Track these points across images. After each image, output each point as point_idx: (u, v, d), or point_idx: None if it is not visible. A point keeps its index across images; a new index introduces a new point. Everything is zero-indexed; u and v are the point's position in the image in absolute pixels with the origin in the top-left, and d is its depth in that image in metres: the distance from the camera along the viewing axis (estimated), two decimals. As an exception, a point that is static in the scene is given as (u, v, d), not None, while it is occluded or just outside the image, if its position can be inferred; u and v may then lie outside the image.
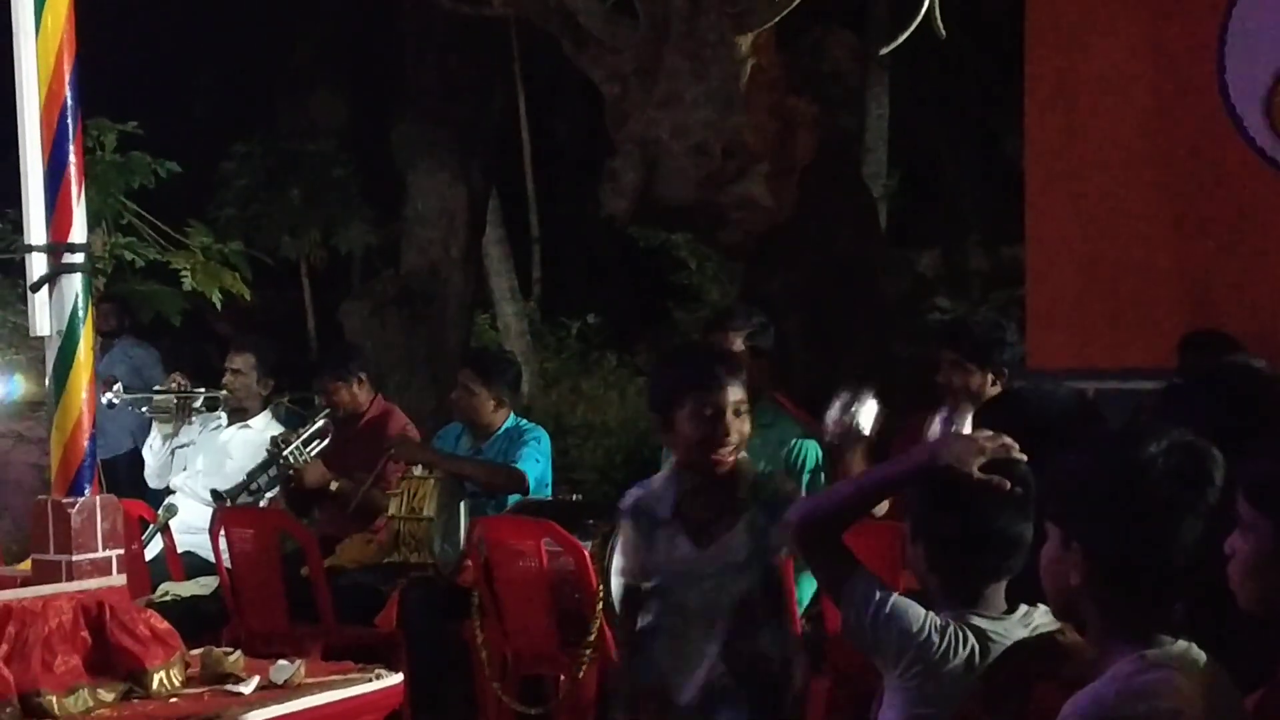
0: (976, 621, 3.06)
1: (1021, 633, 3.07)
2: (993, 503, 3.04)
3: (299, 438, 6.95)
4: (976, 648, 3.03)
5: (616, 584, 4.34)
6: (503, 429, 6.83)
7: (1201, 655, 2.53)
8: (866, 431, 5.23)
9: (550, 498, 6.72)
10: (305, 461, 6.89)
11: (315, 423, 7.10)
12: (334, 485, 6.92)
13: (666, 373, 4.44)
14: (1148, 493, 2.49)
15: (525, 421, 6.97)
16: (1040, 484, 2.70)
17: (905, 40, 7.51)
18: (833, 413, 5.27)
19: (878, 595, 3.08)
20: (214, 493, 6.92)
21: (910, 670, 3.05)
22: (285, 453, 6.88)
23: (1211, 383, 3.59)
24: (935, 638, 3.02)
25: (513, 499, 6.64)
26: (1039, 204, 7.47)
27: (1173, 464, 2.51)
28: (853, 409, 5.22)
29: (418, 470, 6.48)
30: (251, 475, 6.98)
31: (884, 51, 8.58)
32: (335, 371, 7.25)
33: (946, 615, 3.05)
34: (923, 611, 3.06)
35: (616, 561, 4.32)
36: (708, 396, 4.15)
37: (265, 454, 7.01)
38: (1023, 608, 3.10)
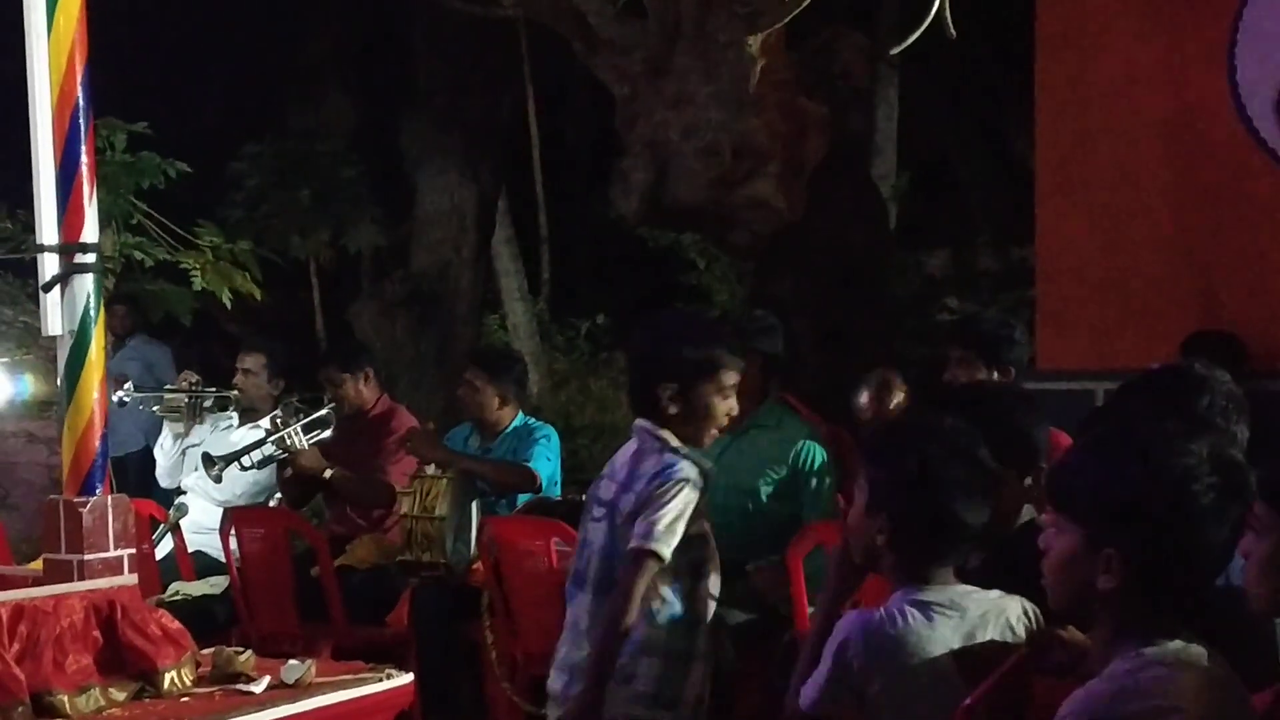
0: (922, 596, 3.14)
1: (974, 601, 3.15)
2: (963, 490, 3.14)
3: (298, 422, 6.97)
4: (918, 618, 3.10)
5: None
6: (511, 427, 6.84)
7: (1203, 653, 2.53)
8: (895, 410, 5.41)
9: (559, 497, 6.72)
10: (301, 446, 6.90)
11: (318, 411, 7.12)
12: (328, 473, 6.92)
13: (693, 340, 4.09)
14: (1195, 504, 2.50)
15: (534, 420, 6.98)
16: (1061, 484, 2.68)
17: (915, 41, 7.50)
18: (864, 396, 5.43)
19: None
20: (205, 456, 6.93)
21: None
22: (282, 433, 6.90)
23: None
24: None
25: (523, 498, 6.65)
26: (1049, 205, 7.47)
27: (1216, 476, 2.51)
28: (884, 394, 5.39)
29: (430, 469, 6.49)
30: (246, 448, 6.99)
31: (894, 52, 8.56)
32: (342, 364, 7.26)
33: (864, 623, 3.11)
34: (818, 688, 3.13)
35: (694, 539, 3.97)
36: (733, 371, 4.07)
37: (262, 431, 7.05)
38: (968, 586, 3.18)
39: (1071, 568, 2.60)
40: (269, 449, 6.99)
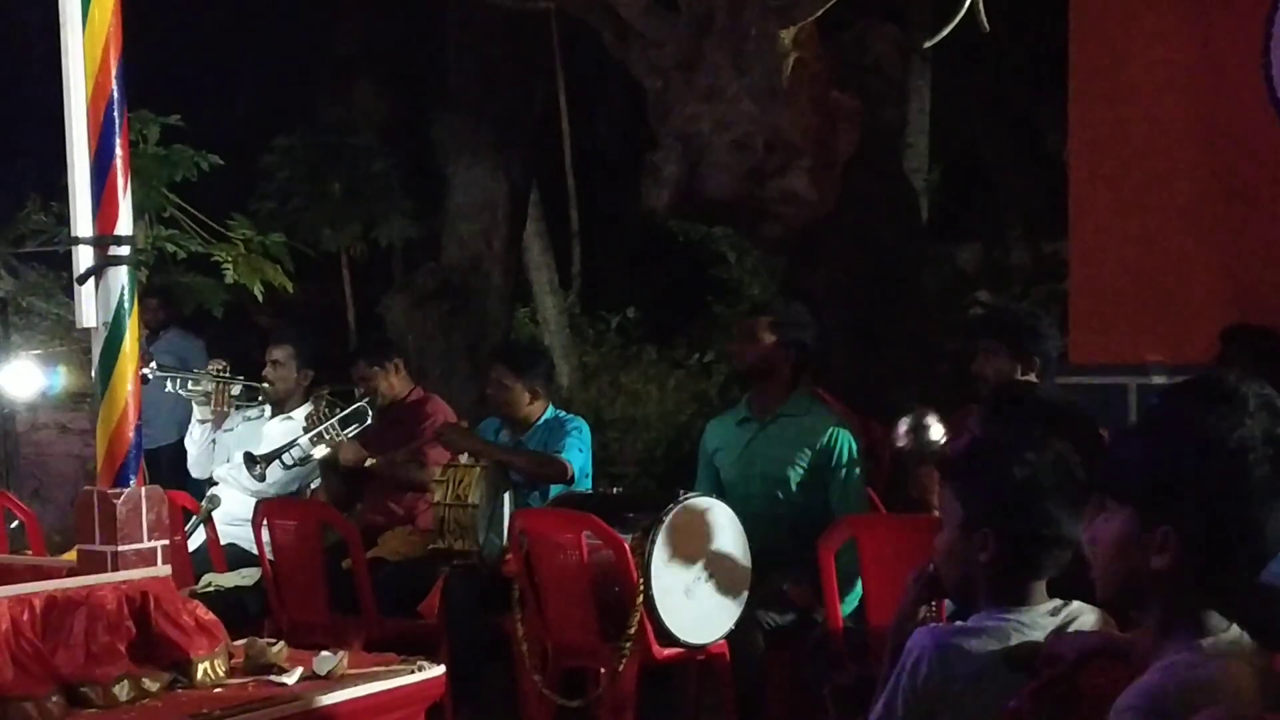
0: (1005, 614, 3.08)
1: (1049, 623, 3.08)
2: (1066, 499, 3.07)
3: (335, 417, 7.04)
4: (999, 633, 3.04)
5: None
6: (542, 420, 6.86)
7: (1253, 643, 2.51)
8: (935, 447, 5.42)
9: (590, 490, 6.73)
10: (341, 439, 6.97)
11: (353, 406, 7.18)
12: (369, 462, 7.00)
13: None
14: (1251, 476, 2.46)
15: (565, 413, 7.00)
16: (1111, 466, 2.65)
17: (948, 33, 7.48)
18: (901, 431, 5.46)
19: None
20: (247, 455, 6.98)
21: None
22: (320, 428, 6.97)
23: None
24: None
25: (554, 490, 6.67)
26: (1082, 198, 7.43)
27: (1271, 449, 2.47)
28: (920, 428, 5.41)
29: (464, 458, 6.52)
30: (286, 446, 7.06)
31: (927, 45, 8.54)
32: (371, 359, 7.33)
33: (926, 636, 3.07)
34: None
35: None
36: None
37: (297, 425, 7.12)
38: (1055, 601, 3.11)
39: (1123, 551, 2.55)
40: (308, 445, 7.05)
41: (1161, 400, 2.68)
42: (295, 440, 7.07)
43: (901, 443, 5.57)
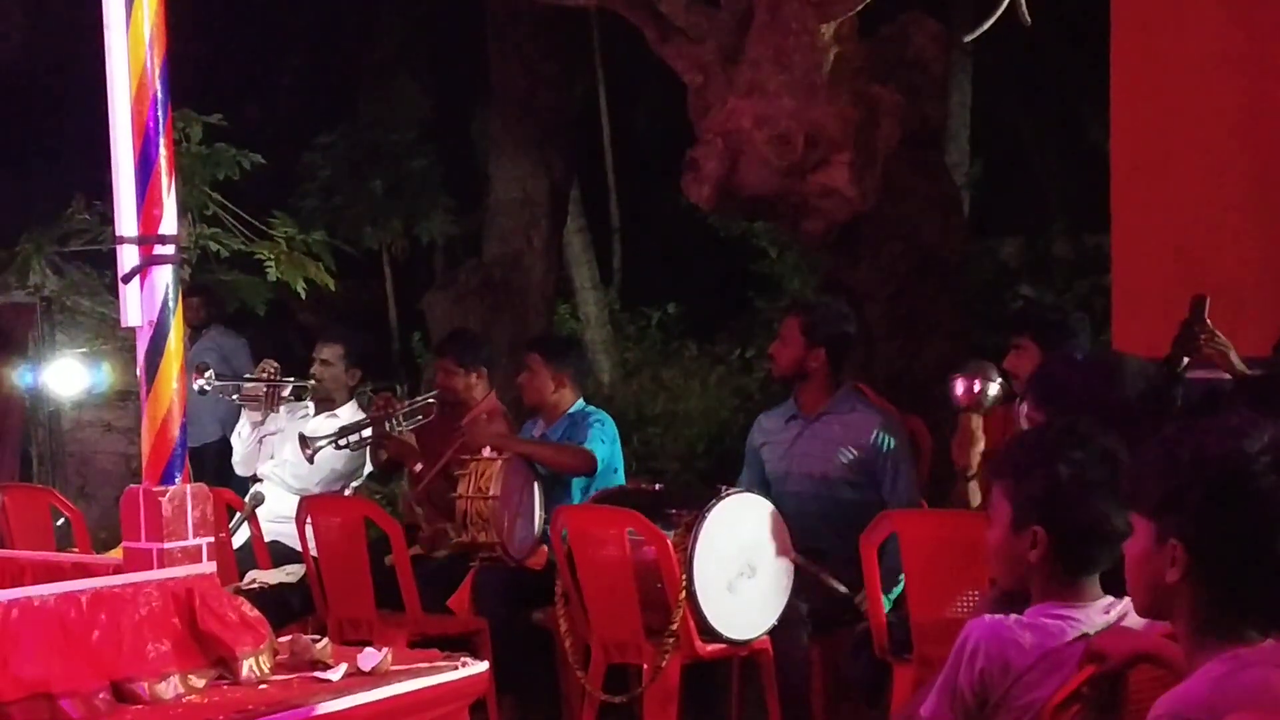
0: (1061, 610, 3.06)
1: (1103, 620, 3.06)
2: (1114, 493, 3.05)
3: (402, 409, 7.04)
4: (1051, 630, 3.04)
5: None
6: (567, 412, 6.90)
7: None
8: (989, 403, 5.39)
9: (628, 485, 6.74)
10: (400, 432, 6.98)
11: (422, 400, 7.19)
12: (417, 466, 7.01)
13: None
14: (1255, 490, 2.44)
15: (590, 406, 7.04)
16: (1130, 481, 2.64)
17: (989, 27, 7.44)
18: (960, 384, 5.42)
19: None
20: (301, 437, 6.99)
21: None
22: (383, 416, 6.99)
23: (1242, 391, 3.62)
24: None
25: (578, 482, 6.71)
26: (1125, 191, 7.40)
27: (1274, 457, 2.46)
28: (982, 382, 5.38)
29: (486, 451, 6.55)
30: (344, 430, 7.07)
31: (968, 38, 8.50)
32: (460, 357, 7.29)
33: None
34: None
35: None
36: None
37: (339, 420, 7.12)
38: (1109, 598, 3.10)
39: (1144, 565, 2.56)
40: (365, 432, 7.08)
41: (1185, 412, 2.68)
42: (355, 424, 7.08)
43: (959, 391, 5.52)
